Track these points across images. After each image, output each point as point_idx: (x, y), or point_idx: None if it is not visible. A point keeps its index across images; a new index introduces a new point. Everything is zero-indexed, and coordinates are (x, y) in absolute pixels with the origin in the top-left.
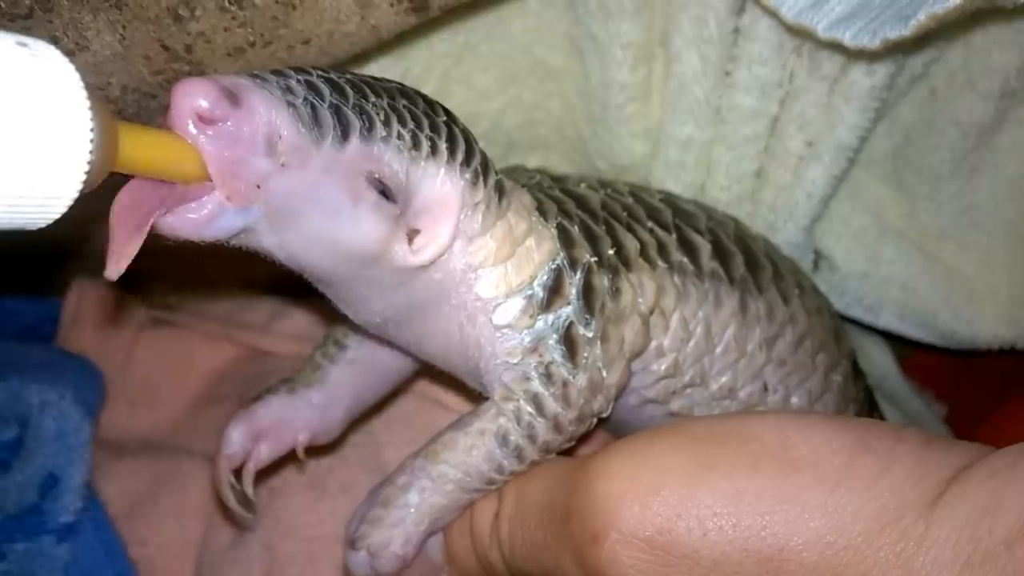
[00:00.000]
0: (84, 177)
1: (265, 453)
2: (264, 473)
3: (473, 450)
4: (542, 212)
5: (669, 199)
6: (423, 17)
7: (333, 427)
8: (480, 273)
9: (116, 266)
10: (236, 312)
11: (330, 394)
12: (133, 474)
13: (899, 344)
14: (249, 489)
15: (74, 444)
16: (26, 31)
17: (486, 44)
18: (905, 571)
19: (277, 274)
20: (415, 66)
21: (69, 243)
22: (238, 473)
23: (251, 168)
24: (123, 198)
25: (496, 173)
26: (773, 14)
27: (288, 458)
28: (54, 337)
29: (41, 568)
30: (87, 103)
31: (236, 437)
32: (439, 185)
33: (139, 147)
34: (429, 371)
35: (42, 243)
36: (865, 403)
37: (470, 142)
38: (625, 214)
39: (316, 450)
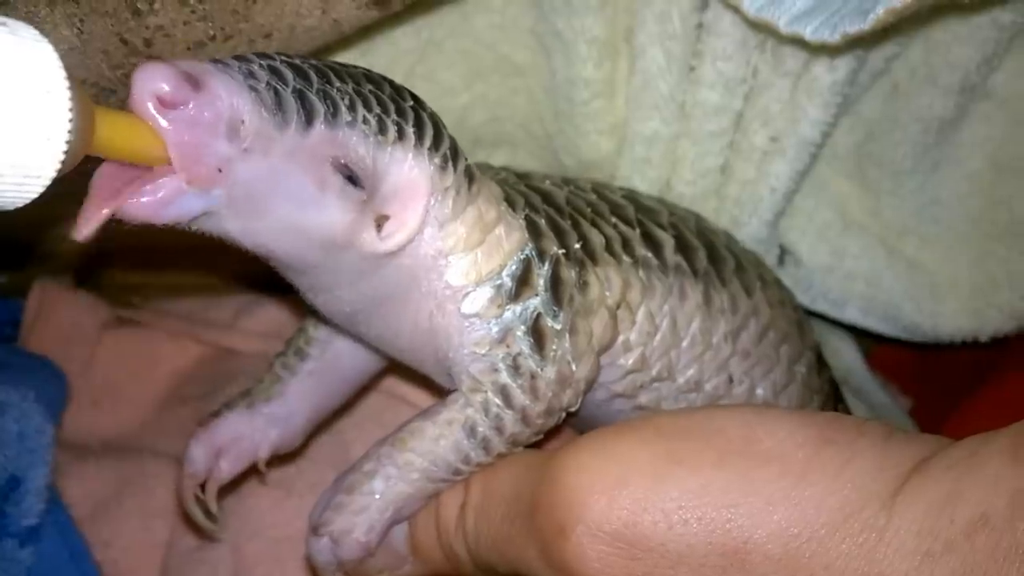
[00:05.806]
0: (63, 156)
1: (226, 470)
2: (230, 483)
3: (440, 440)
4: (510, 203)
5: (631, 195)
6: (385, 12)
7: (294, 438)
8: (450, 260)
9: (83, 229)
10: (201, 310)
11: (290, 407)
12: (97, 476)
13: (864, 338)
14: (213, 505)
15: (36, 446)
16: None
17: (450, 40)
18: (868, 562)
19: (242, 271)
20: (378, 62)
21: (30, 244)
22: (203, 486)
23: (212, 152)
24: (103, 171)
25: (466, 159)
26: (736, 10)
27: (252, 470)
28: (16, 339)
29: (4, 572)
30: (66, 83)
31: (198, 455)
32: (407, 170)
33: (113, 130)
34: (396, 368)
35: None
36: (830, 395)
37: (438, 127)
38: (589, 210)
39: (280, 458)
